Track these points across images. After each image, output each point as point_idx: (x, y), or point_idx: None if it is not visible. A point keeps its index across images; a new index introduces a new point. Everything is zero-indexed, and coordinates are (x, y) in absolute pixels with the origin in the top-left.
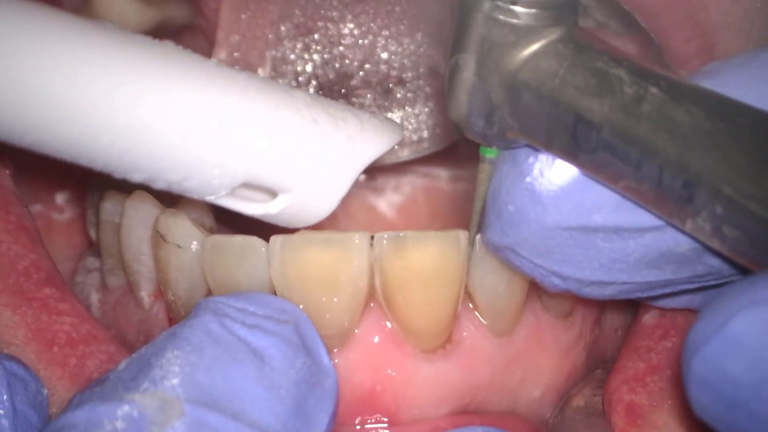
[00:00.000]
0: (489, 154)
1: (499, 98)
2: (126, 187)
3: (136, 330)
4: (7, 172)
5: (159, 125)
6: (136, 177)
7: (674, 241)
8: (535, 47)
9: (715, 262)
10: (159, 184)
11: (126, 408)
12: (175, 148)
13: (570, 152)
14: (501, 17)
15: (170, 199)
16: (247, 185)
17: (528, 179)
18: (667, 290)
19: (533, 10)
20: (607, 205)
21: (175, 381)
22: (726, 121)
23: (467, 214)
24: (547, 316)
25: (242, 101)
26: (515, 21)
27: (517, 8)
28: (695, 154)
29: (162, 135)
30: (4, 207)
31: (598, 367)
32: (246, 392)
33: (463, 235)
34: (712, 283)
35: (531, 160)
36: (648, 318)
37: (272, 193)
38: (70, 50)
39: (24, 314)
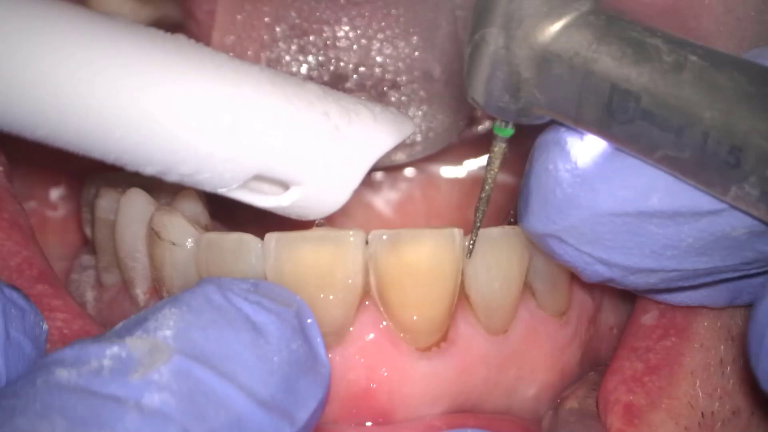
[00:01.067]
0: (503, 133)
1: (527, 71)
2: (121, 184)
3: None
4: (1, 169)
5: (171, 118)
6: (149, 170)
7: (730, 224)
8: (566, 19)
9: (765, 248)
10: (171, 177)
11: (115, 348)
12: (188, 140)
13: (602, 124)
14: None
15: (165, 197)
16: (260, 177)
17: (576, 163)
18: (709, 279)
19: None
20: (662, 189)
21: (168, 332)
22: None
23: (464, 211)
24: (542, 314)
25: (254, 94)
26: None
27: None
28: (741, 119)
29: (174, 128)
30: None
31: (592, 365)
32: (238, 357)
33: (458, 233)
34: (754, 271)
35: (577, 143)
36: (647, 318)
37: (285, 186)
38: (83, 44)
39: None
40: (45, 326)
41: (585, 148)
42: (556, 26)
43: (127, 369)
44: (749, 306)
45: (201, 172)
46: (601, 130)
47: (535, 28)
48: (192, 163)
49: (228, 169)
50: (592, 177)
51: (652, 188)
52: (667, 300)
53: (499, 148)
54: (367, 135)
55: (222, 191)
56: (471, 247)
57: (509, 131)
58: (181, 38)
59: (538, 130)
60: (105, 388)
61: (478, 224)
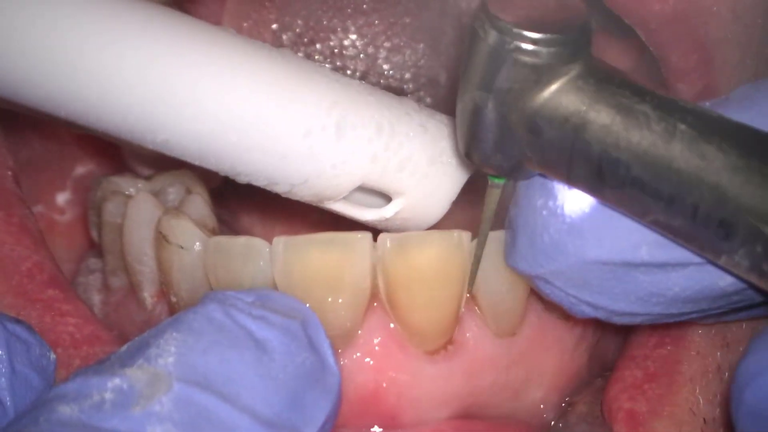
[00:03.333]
0: (498, 180)
1: (518, 133)
2: (128, 188)
3: (138, 331)
4: (10, 173)
5: (282, 126)
6: (261, 181)
7: (718, 274)
8: (555, 86)
9: (752, 293)
10: (282, 188)
11: (116, 380)
12: (298, 148)
13: (595, 187)
14: (522, 58)
15: (173, 200)
16: (363, 188)
17: (565, 209)
18: (694, 317)
19: (553, 49)
20: (651, 241)
21: (170, 359)
22: (760, 158)
23: (470, 214)
24: (550, 317)
25: (359, 105)
26: (536, 61)
27: (538, 48)
28: (731, 193)
29: (286, 135)
30: (6, 208)
31: (600, 369)
32: (241, 378)
33: (465, 236)
34: (740, 306)
35: (566, 189)
36: (642, 328)
37: (386, 197)
38: (196, 54)
39: (28, 316)
40: (52, 356)
41: (574, 195)
42: (545, 92)
43: (128, 402)
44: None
45: (308, 180)
46: (593, 192)
47: (523, 93)
48: (301, 172)
49: (334, 176)
50: (581, 225)
51: (642, 240)
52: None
53: (493, 193)
54: None
55: (328, 204)
56: (470, 283)
57: (503, 179)
58: (286, 51)
59: None
60: (107, 422)
61: (476, 266)
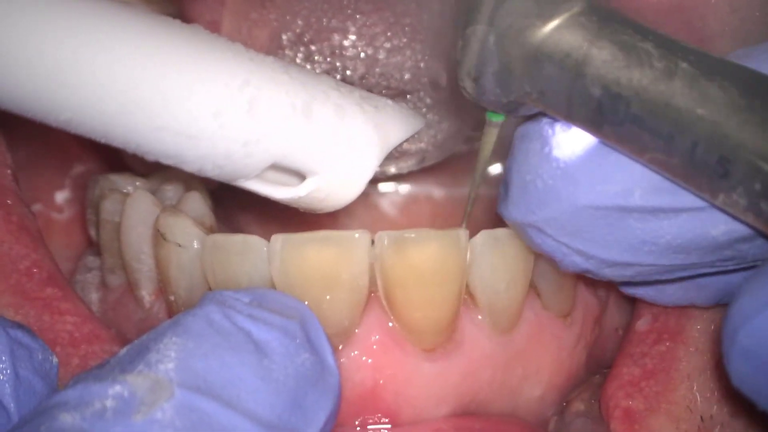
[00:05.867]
0: (496, 118)
1: (518, 68)
2: (126, 186)
3: (136, 329)
4: (9, 171)
5: (191, 105)
6: (170, 159)
7: (711, 223)
8: (557, 21)
9: (744, 247)
10: (191, 167)
11: (117, 388)
12: (207, 127)
13: (594, 124)
14: None
15: (170, 198)
16: (276, 167)
17: (558, 154)
18: (685, 273)
19: None
20: (645, 185)
21: (170, 365)
22: (761, 97)
23: (469, 213)
24: (548, 314)
25: (271, 82)
26: None
27: None
28: (731, 130)
29: (194, 114)
30: (5, 207)
31: (598, 366)
32: (242, 381)
33: (463, 234)
34: (732, 268)
35: (560, 134)
36: (640, 324)
37: (301, 176)
38: (100, 28)
39: (26, 314)
40: (55, 360)
41: (568, 140)
42: (547, 27)
43: (130, 409)
44: None
45: (220, 160)
46: (592, 129)
47: (525, 28)
48: (212, 151)
49: (246, 155)
50: (574, 170)
51: (635, 184)
52: (655, 300)
53: (491, 132)
54: (380, 127)
55: (240, 182)
56: (464, 221)
57: (501, 116)
58: (197, 28)
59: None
60: (109, 430)
61: (469, 208)
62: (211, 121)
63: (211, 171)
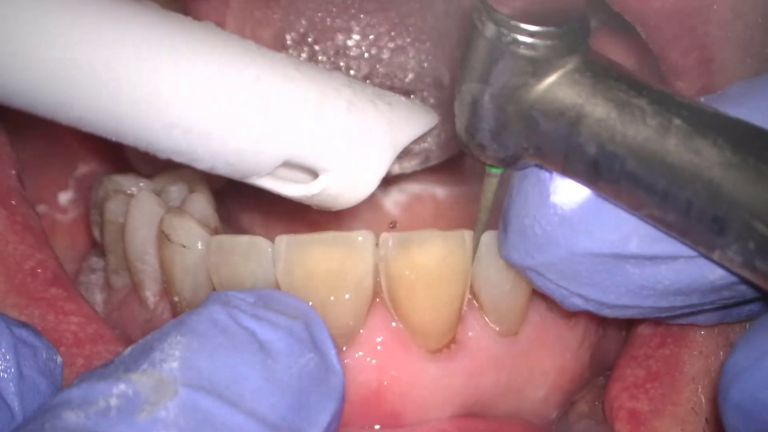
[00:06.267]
0: (495, 170)
1: (515, 126)
2: (130, 187)
3: (141, 330)
4: (13, 172)
5: (203, 101)
6: (182, 157)
7: (708, 268)
8: (552, 78)
9: (742, 288)
10: (203, 164)
11: (122, 386)
12: (219, 123)
13: (590, 179)
14: (519, 50)
15: (175, 199)
16: (289, 164)
17: (556, 201)
18: (686, 311)
19: (550, 42)
20: (641, 234)
21: (174, 364)
22: (755, 154)
23: (472, 213)
24: (552, 316)
25: (283, 78)
26: (533, 53)
27: (536, 41)
28: (725, 189)
29: (206, 111)
30: (10, 207)
31: (602, 368)
32: (246, 381)
33: (468, 235)
34: (732, 302)
35: (558, 181)
36: (643, 327)
37: (313, 173)
38: (115, 25)
39: (31, 314)
40: (59, 360)
41: (566, 186)
42: (542, 85)
43: (134, 408)
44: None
45: (232, 157)
46: (588, 184)
47: (520, 86)
48: (224, 148)
49: (258, 152)
50: (572, 217)
51: (632, 232)
52: (657, 319)
53: (491, 182)
54: (393, 124)
55: (252, 180)
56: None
57: (500, 168)
58: (209, 25)
59: None
60: (112, 429)
61: (474, 254)
62: (222, 118)
63: (223, 168)
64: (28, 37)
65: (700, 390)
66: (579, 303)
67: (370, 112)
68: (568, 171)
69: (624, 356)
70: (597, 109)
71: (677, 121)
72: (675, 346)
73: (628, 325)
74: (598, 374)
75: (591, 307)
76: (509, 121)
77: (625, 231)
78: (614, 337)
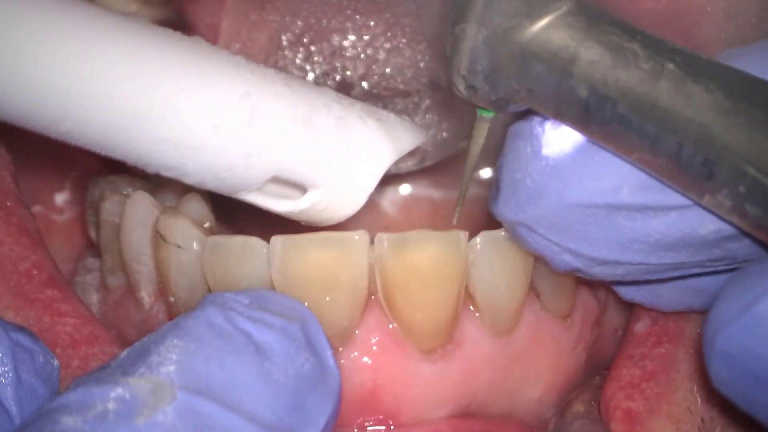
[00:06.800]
0: (486, 113)
1: (507, 66)
2: (126, 187)
3: (136, 330)
4: (8, 173)
5: (191, 116)
6: (170, 172)
7: (699, 221)
8: (545, 20)
9: (733, 246)
10: (192, 179)
11: (119, 390)
12: (207, 139)
13: (581, 122)
14: None
15: (170, 199)
16: (277, 180)
17: (548, 153)
18: (676, 273)
19: None
20: (633, 183)
21: (171, 368)
22: (747, 100)
23: (468, 214)
24: (547, 316)
25: (272, 95)
26: None
27: None
28: (716, 133)
29: (195, 126)
30: (5, 209)
31: (597, 368)
32: (243, 384)
33: (463, 235)
34: (722, 268)
35: (550, 132)
36: (639, 326)
37: (302, 189)
38: (106, 41)
39: (26, 316)
40: (56, 363)
41: (558, 138)
42: (535, 27)
43: (132, 412)
44: None
45: (221, 173)
46: (579, 128)
47: (514, 27)
48: (212, 163)
49: (247, 167)
50: (563, 168)
51: (623, 181)
52: (653, 306)
53: (481, 127)
54: (381, 140)
55: (241, 195)
56: (456, 216)
57: (491, 112)
58: (198, 40)
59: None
60: None
61: (461, 201)
62: (211, 133)
63: (212, 183)
64: (19, 51)
65: (696, 389)
66: (569, 260)
67: (360, 128)
68: (559, 115)
69: (620, 356)
70: (590, 52)
71: (670, 66)
72: (671, 345)
73: (625, 324)
74: (593, 374)
75: (581, 264)
76: (502, 62)
77: (616, 180)
78: (610, 337)
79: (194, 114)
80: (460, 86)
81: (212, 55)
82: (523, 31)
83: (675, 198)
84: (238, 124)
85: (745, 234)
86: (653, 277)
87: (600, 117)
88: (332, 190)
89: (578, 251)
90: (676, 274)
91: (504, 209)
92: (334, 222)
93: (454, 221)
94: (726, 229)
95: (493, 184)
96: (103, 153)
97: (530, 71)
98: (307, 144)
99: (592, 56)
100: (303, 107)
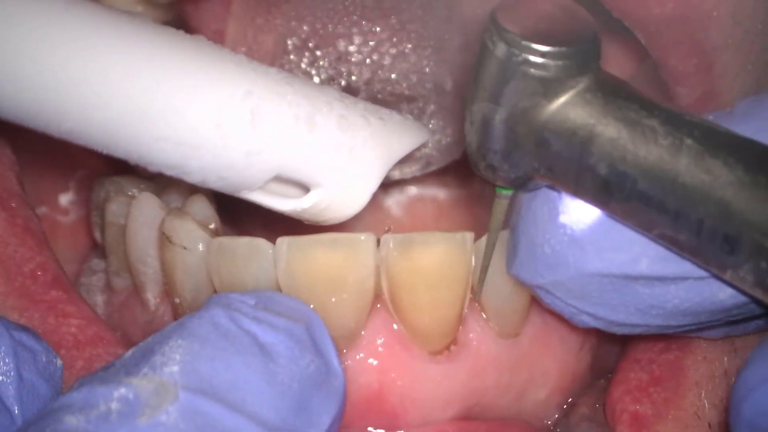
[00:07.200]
0: (505, 191)
1: (526, 146)
2: (131, 189)
3: (142, 332)
4: (13, 174)
5: (193, 115)
6: (172, 171)
7: (719, 288)
8: (563, 99)
9: (753, 307)
10: (194, 177)
11: (122, 390)
12: (210, 138)
13: (601, 199)
14: (530, 70)
15: (176, 201)
16: (280, 179)
17: (566, 221)
18: (694, 329)
19: (561, 62)
20: (651, 255)
21: (175, 368)
22: (766, 173)
23: (474, 214)
24: (553, 318)
25: (274, 94)
26: (544, 73)
27: (547, 61)
28: (737, 208)
29: (197, 125)
30: (10, 210)
31: (603, 370)
32: (247, 385)
33: (469, 236)
34: (740, 318)
35: (567, 200)
36: None
37: (305, 188)
38: (106, 39)
39: (31, 317)
40: (59, 363)
41: (576, 206)
42: (553, 105)
43: (134, 412)
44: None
45: (223, 171)
46: (599, 205)
47: (531, 106)
48: (215, 162)
49: (248, 165)
50: (581, 237)
51: (642, 253)
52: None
53: (500, 204)
54: (384, 139)
55: (243, 194)
56: (479, 287)
57: (510, 190)
58: (200, 39)
59: None
60: None
61: (483, 275)
62: (213, 132)
63: (214, 182)
64: (20, 49)
65: (703, 395)
66: (588, 321)
67: (362, 127)
68: (579, 191)
69: (627, 359)
70: (608, 129)
71: (689, 141)
72: (679, 351)
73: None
74: (599, 377)
75: (600, 325)
76: (520, 141)
77: (635, 252)
78: (616, 340)
79: (196, 113)
80: (480, 166)
81: (214, 53)
82: (541, 111)
83: (694, 269)
84: (239, 123)
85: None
86: (671, 332)
87: (620, 194)
88: (335, 189)
89: (597, 315)
90: (694, 328)
91: (522, 273)
92: (337, 221)
93: (480, 294)
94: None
95: (510, 244)
96: (104, 152)
97: (549, 150)
98: (309, 143)
99: (610, 133)
100: (305, 106)
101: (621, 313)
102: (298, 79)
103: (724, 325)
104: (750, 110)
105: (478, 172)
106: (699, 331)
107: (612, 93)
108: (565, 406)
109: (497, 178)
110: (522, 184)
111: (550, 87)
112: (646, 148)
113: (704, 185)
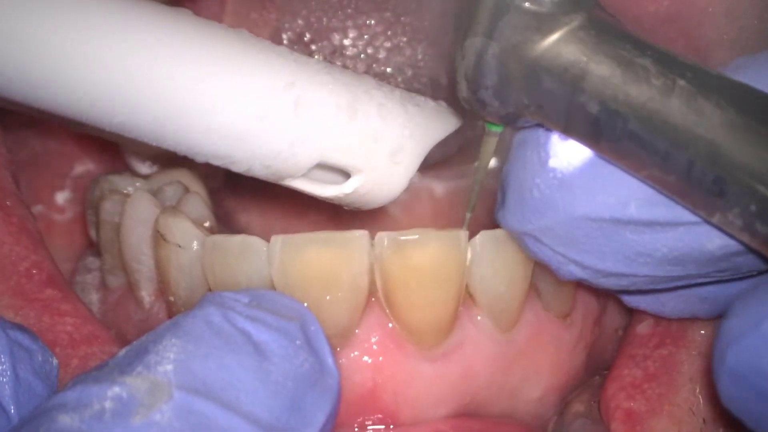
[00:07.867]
0: (495, 128)
1: (517, 81)
2: (126, 187)
3: (136, 330)
4: (9, 173)
5: (237, 108)
6: (219, 161)
7: (706, 236)
8: (556, 35)
9: (740, 260)
10: (239, 167)
11: (116, 389)
12: (255, 127)
13: (591, 138)
14: (524, 5)
15: (170, 199)
16: (322, 166)
17: (555, 164)
18: (680, 284)
19: None
20: (641, 198)
21: (169, 367)
22: (758, 117)
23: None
24: (548, 315)
25: (316, 84)
26: (538, 8)
27: None
28: (727, 150)
29: (242, 115)
30: (5, 209)
31: (598, 368)
32: (241, 383)
33: (463, 234)
34: (727, 277)
35: (557, 143)
36: (642, 327)
37: (345, 174)
38: (155, 37)
39: (26, 315)
40: (55, 362)
41: (565, 150)
42: (546, 42)
43: (128, 411)
44: None
45: (268, 160)
46: (589, 144)
47: (524, 41)
48: (260, 151)
49: (292, 155)
50: (571, 180)
51: (631, 196)
52: (657, 313)
53: (490, 141)
54: (421, 125)
55: (286, 181)
56: (465, 224)
57: (500, 127)
58: (242, 32)
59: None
60: None
61: (469, 214)
62: (258, 123)
63: (259, 171)
64: (74, 47)
65: (698, 390)
66: (575, 271)
67: (400, 114)
68: (569, 130)
69: (621, 356)
70: (601, 68)
71: (681, 82)
72: (673, 347)
73: (625, 324)
74: (594, 374)
75: (586, 275)
76: (512, 77)
77: (624, 195)
78: (610, 337)
79: (241, 105)
80: (469, 100)
81: (256, 46)
82: (533, 46)
83: (683, 214)
84: (283, 114)
85: (755, 252)
86: (658, 287)
87: (610, 133)
88: (375, 175)
89: (584, 263)
90: (680, 284)
91: (510, 219)
92: (377, 205)
93: (464, 228)
94: (734, 244)
95: (499, 192)
96: (153, 144)
97: (540, 86)
98: (351, 131)
99: (602, 72)
100: (345, 95)
101: (609, 260)
102: (336, 68)
103: (713, 283)
104: (743, 64)
105: (468, 107)
106: (688, 288)
107: (606, 31)
108: (560, 404)
109: (487, 114)
110: (512, 121)
111: (544, 22)
112: (638, 88)
113: (695, 126)
